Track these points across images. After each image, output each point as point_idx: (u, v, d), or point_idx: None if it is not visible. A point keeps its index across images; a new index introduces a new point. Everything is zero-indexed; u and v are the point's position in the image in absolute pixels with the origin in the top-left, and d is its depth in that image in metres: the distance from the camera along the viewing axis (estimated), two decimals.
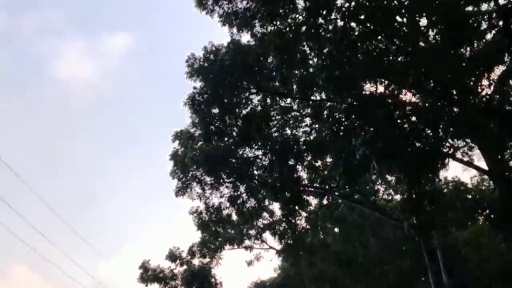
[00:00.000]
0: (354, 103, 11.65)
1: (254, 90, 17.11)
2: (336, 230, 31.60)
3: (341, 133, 10.92)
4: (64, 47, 72.51)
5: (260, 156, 21.83)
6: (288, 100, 19.07)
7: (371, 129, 9.95)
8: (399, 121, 10.60)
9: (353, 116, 10.90)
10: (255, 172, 22.67)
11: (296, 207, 21.46)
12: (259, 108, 17.89)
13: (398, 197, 29.50)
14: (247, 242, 30.04)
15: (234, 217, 29.75)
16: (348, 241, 28.02)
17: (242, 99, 16.90)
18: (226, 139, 18.71)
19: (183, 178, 22.01)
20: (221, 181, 22.26)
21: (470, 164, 16.78)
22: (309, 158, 23.73)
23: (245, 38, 16.55)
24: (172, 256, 27.86)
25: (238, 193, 23.35)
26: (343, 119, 11.10)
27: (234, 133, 18.23)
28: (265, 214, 28.11)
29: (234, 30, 15.98)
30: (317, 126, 18.76)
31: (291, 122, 19.52)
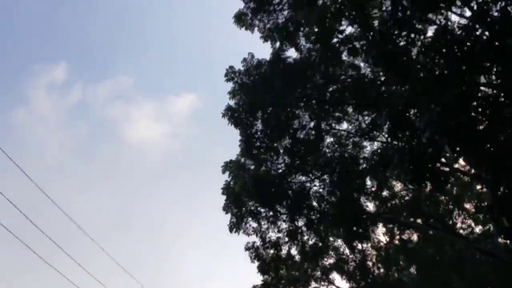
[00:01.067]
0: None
1: (301, 104, 16.03)
2: (413, 268, 28.48)
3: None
4: (135, 110, 77.56)
5: (317, 184, 20.43)
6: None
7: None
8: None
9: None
10: (313, 203, 21.23)
11: (360, 237, 19.42)
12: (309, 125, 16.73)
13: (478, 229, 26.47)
14: (313, 284, 27.84)
15: (296, 256, 28.09)
16: (427, 279, 24.90)
17: (289, 113, 15.84)
18: (273, 157, 17.46)
19: (237, 212, 20.96)
20: (277, 212, 20.96)
21: None
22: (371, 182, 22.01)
23: (290, 53, 15.87)
24: None
25: (296, 226, 21.85)
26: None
27: (281, 151, 16.98)
28: (330, 252, 26.09)
29: (277, 44, 15.34)
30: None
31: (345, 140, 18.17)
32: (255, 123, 15.67)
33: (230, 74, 15.69)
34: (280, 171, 18.79)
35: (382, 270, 25.62)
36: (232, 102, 15.78)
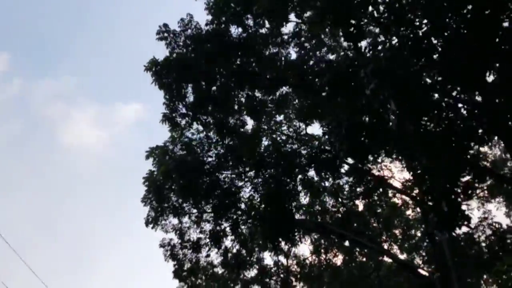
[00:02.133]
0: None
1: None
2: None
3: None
4: (75, 113, 73.28)
5: (248, 185, 18.98)
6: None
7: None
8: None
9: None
10: (242, 205, 19.72)
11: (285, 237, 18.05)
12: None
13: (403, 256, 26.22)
14: None
15: (217, 264, 26.23)
16: None
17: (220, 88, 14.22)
18: (200, 131, 15.64)
19: (158, 206, 18.92)
20: (201, 210, 19.19)
21: None
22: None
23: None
24: None
25: (221, 229, 20.14)
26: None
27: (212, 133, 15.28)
28: (253, 262, 24.52)
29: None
30: None
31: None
32: (185, 90, 13.83)
33: (163, 33, 13.75)
34: (210, 160, 17.16)
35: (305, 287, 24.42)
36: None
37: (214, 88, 13.96)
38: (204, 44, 12.84)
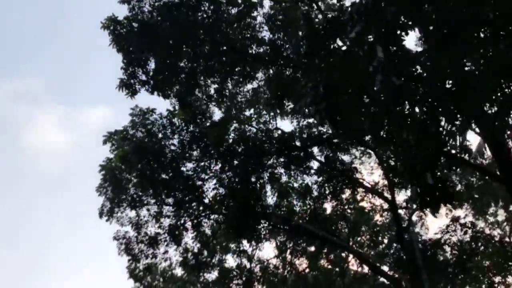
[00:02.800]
0: None
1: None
2: None
3: None
4: (40, 114, 70.36)
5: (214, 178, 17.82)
6: None
7: None
8: None
9: None
10: (206, 200, 18.56)
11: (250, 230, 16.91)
12: None
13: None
14: None
15: (176, 265, 24.81)
16: None
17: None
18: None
19: (113, 195, 17.49)
20: (161, 203, 17.87)
21: None
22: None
23: None
24: None
25: (182, 224, 18.87)
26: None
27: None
28: (215, 263, 23.27)
29: None
30: None
31: None
32: (146, 57, 12.45)
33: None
34: (173, 149, 15.91)
35: None
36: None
37: (180, 64, 12.84)
38: (172, 14, 11.75)
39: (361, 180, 20.12)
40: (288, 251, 24.34)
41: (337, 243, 18.82)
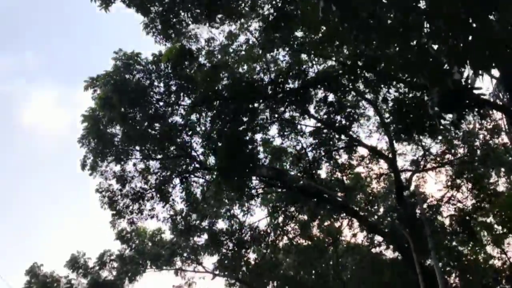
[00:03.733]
0: None
1: None
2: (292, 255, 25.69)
3: None
4: (36, 92, 69.27)
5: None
6: None
7: None
8: None
9: None
10: (195, 152, 17.63)
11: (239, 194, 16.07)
12: None
13: None
14: (178, 264, 24.04)
15: (165, 229, 24.09)
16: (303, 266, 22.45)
17: None
18: None
19: (97, 147, 16.60)
20: (145, 151, 16.96)
21: None
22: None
23: None
24: (74, 264, 21.26)
25: (170, 178, 18.05)
26: None
27: None
28: (204, 226, 22.55)
29: None
30: None
31: None
32: None
33: None
34: (158, 97, 14.96)
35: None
36: None
37: None
38: None
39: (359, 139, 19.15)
40: (281, 218, 23.56)
41: (334, 201, 17.95)
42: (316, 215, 21.59)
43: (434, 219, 17.07)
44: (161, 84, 15.29)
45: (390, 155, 18.24)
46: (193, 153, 17.34)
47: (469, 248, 16.93)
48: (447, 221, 19.56)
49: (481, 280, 16.59)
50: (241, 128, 14.70)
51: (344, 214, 20.28)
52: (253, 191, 18.07)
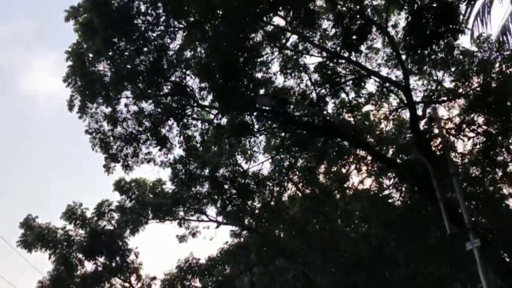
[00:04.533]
0: None
1: None
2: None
3: None
4: (34, 60, 67.51)
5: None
6: None
7: None
8: None
9: None
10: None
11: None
12: None
13: None
14: (180, 214, 23.15)
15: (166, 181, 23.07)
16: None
17: None
18: None
19: (83, 84, 15.26)
20: (136, 87, 15.57)
21: None
22: None
23: None
24: (71, 215, 20.39)
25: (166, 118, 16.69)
26: None
27: None
28: (206, 173, 21.47)
29: None
30: None
31: None
32: None
33: None
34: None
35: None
36: None
37: None
38: None
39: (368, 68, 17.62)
40: (286, 163, 22.39)
41: (344, 135, 16.63)
42: (323, 155, 20.39)
43: (453, 144, 15.73)
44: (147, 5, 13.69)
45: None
46: (189, 91, 16.01)
47: (490, 177, 15.74)
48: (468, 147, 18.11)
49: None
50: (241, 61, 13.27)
51: (355, 150, 18.99)
52: (255, 125, 16.82)
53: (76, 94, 15.47)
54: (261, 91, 17.03)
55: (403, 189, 22.45)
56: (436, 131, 14.86)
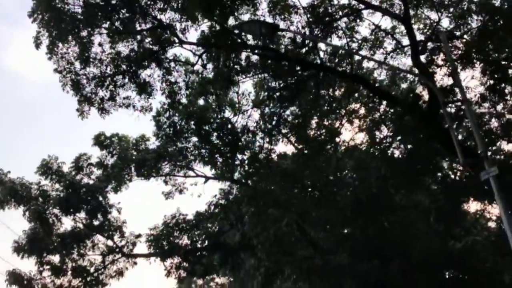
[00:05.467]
0: None
1: None
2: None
3: None
4: (18, 34, 64.28)
5: None
6: None
7: None
8: None
9: None
10: None
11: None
12: None
13: None
14: (166, 170, 21.87)
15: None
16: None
17: None
18: None
19: (51, 21, 13.65)
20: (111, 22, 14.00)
21: None
22: None
23: None
24: (46, 169, 18.94)
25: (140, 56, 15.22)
26: None
27: None
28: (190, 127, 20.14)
29: None
30: None
31: None
32: None
33: None
34: None
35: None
36: None
37: None
38: None
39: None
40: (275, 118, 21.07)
41: (340, 72, 15.37)
42: (315, 104, 19.23)
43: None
44: None
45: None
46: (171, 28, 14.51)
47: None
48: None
49: None
50: None
51: (351, 84, 17.73)
52: (243, 63, 15.49)
53: (43, 30, 13.87)
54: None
55: (398, 141, 21.52)
56: (440, 62, 13.68)
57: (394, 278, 13.69)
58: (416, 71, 14.67)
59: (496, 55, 12.67)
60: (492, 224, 20.33)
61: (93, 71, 14.64)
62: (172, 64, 17.14)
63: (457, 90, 13.12)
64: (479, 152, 10.74)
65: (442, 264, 14.64)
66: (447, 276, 14.54)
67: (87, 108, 14.71)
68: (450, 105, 12.39)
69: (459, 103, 12.36)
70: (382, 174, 15.25)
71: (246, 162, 20.52)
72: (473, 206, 20.42)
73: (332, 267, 14.47)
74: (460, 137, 14.44)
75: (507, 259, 11.99)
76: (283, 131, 21.98)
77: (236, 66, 17.78)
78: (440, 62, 13.74)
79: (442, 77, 14.02)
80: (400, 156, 21.16)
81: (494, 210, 19.18)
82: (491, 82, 13.49)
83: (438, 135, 12.97)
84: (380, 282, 14.32)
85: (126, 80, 15.42)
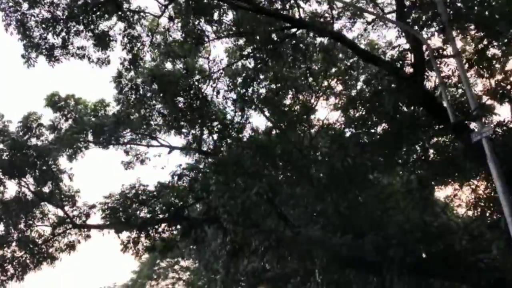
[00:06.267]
0: None
1: None
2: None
3: None
4: None
5: None
6: None
7: None
8: None
9: None
10: None
11: None
12: None
13: None
14: (127, 138, 20.22)
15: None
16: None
17: None
18: None
19: None
20: None
21: None
22: None
23: None
24: None
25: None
26: None
27: None
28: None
29: None
30: None
31: None
32: None
33: None
34: None
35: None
36: None
37: None
38: None
39: None
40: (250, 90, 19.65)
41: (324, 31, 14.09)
42: (293, 65, 17.96)
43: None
44: None
45: None
46: None
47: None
48: None
49: None
50: None
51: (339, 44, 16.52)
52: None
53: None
54: None
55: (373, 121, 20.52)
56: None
57: (369, 252, 12.71)
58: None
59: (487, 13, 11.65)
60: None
61: (43, 14, 12.83)
62: (136, 16, 15.61)
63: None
64: (470, 111, 9.74)
65: (419, 240, 13.77)
66: (423, 254, 13.70)
67: (34, 55, 12.93)
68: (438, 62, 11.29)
69: (448, 59, 11.33)
70: (361, 142, 14.16)
71: (216, 133, 19.18)
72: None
73: (302, 240, 13.37)
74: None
75: (495, 232, 11.17)
76: (256, 102, 20.76)
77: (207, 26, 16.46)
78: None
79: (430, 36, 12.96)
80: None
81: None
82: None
83: (422, 98, 11.97)
84: (354, 256, 13.34)
85: (81, 27, 13.72)
